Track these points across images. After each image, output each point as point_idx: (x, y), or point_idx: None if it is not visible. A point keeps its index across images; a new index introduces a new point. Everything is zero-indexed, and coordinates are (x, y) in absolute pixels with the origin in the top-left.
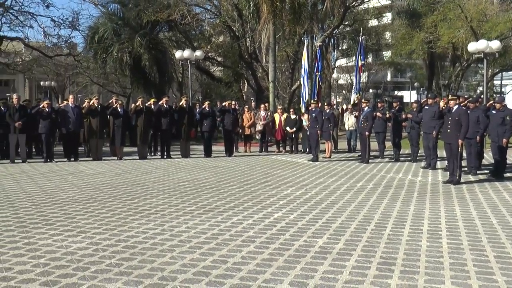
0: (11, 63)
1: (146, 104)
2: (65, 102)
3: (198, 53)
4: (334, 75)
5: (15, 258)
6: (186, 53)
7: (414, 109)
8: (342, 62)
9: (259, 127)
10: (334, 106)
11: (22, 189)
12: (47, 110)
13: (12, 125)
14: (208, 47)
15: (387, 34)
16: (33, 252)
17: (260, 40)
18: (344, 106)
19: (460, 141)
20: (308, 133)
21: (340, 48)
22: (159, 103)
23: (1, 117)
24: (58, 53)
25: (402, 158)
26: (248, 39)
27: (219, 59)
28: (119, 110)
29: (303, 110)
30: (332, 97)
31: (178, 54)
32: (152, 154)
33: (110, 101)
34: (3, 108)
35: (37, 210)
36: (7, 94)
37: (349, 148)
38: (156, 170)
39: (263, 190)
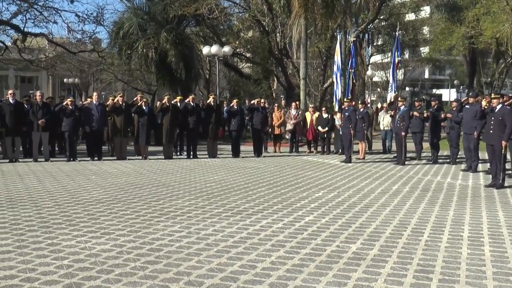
0: (34, 60)
1: (172, 102)
2: (88, 100)
3: (226, 48)
4: (369, 72)
5: (38, 259)
6: (214, 48)
7: (454, 109)
8: (377, 58)
9: (289, 126)
10: (369, 105)
11: (45, 188)
12: (71, 107)
13: (35, 123)
14: (237, 42)
15: (425, 29)
16: (57, 253)
17: (290, 35)
18: (379, 105)
19: (503, 143)
20: (340, 133)
21: (375, 44)
22: (186, 101)
23: (24, 115)
24: (82, 49)
25: (440, 160)
26: (278, 34)
27: (248, 55)
28: (144, 108)
29: (335, 109)
30: (366, 95)
31: (205, 49)
32: (178, 153)
33: (135, 99)
34: (26, 106)
35: (60, 210)
36: (30, 92)
37: (384, 149)
38: (182, 170)
39: (293, 193)
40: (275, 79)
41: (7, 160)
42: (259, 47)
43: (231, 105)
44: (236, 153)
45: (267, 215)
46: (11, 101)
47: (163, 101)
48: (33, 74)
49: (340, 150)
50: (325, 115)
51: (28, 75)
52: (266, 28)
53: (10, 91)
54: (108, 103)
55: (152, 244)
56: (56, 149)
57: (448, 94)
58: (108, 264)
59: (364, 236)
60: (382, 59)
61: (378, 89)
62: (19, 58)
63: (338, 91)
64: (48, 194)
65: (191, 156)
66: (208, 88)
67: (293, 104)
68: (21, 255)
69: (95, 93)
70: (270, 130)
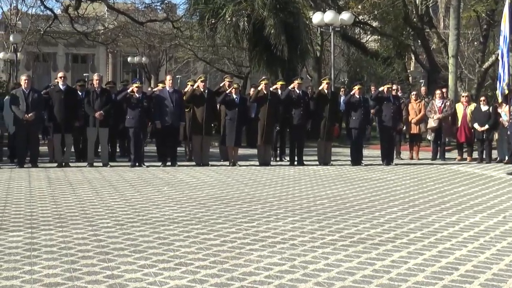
0: (90, 33)
1: (271, 89)
2: (160, 86)
3: (345, 16)
4: None
5: None
6: (328, 16)
7: None
8: None
9: (432, 123)
10: None
11: (102, 202)
12: (137, 96)
13: (91, 116)
14: (359, 7)
15: None
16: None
17: None
18: None
19: None
20: (508, 132)
21: None
22: (289, 87)
23: (78, 105)
24: (152, 18)
25: None
26: None
27: (375, 24)
28: (234, 96)
29: (500, 99)
30: None
31: (316, 17)
32: (278, 159)
33: (221, 85)
34: (80, 93)
35: (123, 231)
36: (84, 74)
37: None
38: (283, 181)
39: (438, 216)
40: (412, 57)
41: (55, 164)
42: (390, 13)
43: (351, 93)
44: (357, 159)
45: (401, 246)
46: (61, 87)
47: (259, 88)
48: (88, 51)
49: (506, 158)
50: (484, 108)
51: (82, 53)
52: None
53: (59, 74)
54: (185, 90)
55: (243, 280)
56: (118, 150)
57: None
58: None
59: None
60: None
61: None
62: (71, 31)
63: (504, 74)
64: (107, 209)
65: (295, 163)
66: (319, 70)
67: (438, 92)
68: None
69: (168, 77)
70: (404, 128)
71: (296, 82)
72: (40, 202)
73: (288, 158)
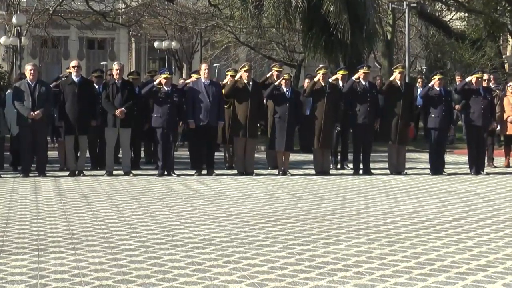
0: (109, 12)
1: (330, 80)
2: (194, 77)
3: None
4: None
5: None
6: None
7: None
8: None
9: None
10: None
11: (124, 218)
12: (166, 89)
13: (111, 114)
14: None
15: None
16: None
17: None
18: None
19: None
20: None
21: None
22: (353, 77)
23: (94, 101)
24: None
25: None
26: None
27: None
28: (285, 90)
29: None
30: None
31: None
32: (339, 166)
33: (268, 75)
34: (97, 86)
35: (148, 255)
36: (102, 63)
37: None
38: (345, 194)
39: None
40: (509, 39)
41: (67, 173)
42: None
43: (430, 85)
44: (437, 167)
45: (494, 276)
46: (74, 78)
47: (315, 79)
48: (106, 34)
49: None
50: None
51: (99, 37)
52: None
53: (72, 63)
54: (225, 82)
55: None
56: (142, 155)
57: None
58: None
59: None
60: None
61: None
62: (86, 10)
63: None
64: (129, 228)
65: (361, 171)
66: (390, 57)
67: None
68: None
69: (204, 66)
70: (498, 128)
71: (361, 71)
72: (49, 219)
73: (351, 166)
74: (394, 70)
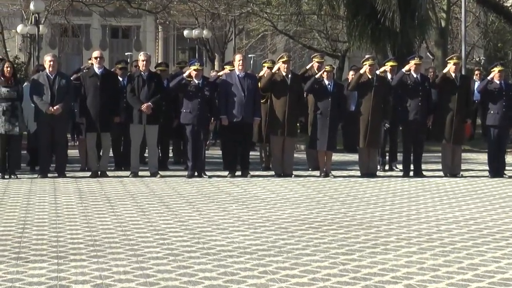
0: None
1: (377, 72)
2: (227, 69)
3: None
4: None
5: None
6: None
7: None
8: None
9: None
10: None
11: (150, 224)
12: (196, 82)
13: (137, 110)
14: None
15: None
16: None
17: None
18: None
19: None
20: None
21: None
22: (403, 70)
23: (118, 95)
24: None
25: None
26: None
27: None
28: (327, 83)
29: None
30: None
31: None
32: (387, 167)
33: (308, 67)
34: (121, 79)
35: (177, 264)
36: (127, 54)
37: None
38: (394, 198)
39: None
40: None
41: (89, 174)
42: None
43: (489, 78)
44: (497, 169)
45: None
46: (96, 70)
47: (361, 71)
48: (131, 22)
49: None
50: None
51: (124, 25)
52: None
53: (95, 54)
54: (261, 74)
55: None
56: (170, 155)
57: None
58: None
59: None
60: None
61: None
62: None
63: None
64: (156, 234)
65: (412, 173)
66: (444, 46)
67: None
68: None
69: (238, 56)
70: None
71: (412, 62)
72: (69, 224)
73: (400, 167)
74: (448, 61)
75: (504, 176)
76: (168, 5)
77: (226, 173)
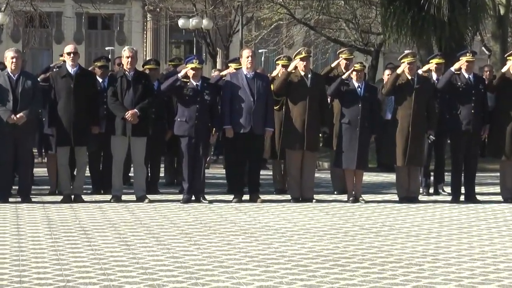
0: None
1: (420, 72)
2: (232, 67)
3: None
4: None
5: None
6: None
7: None
8: None
9: None
10: None
11: (136, 261)
12: (194, 84)
13: (120, 118)
14: None
15: None
16: None
17: None
18: None
19: None
20: None
21: None
22: (452, 68)
23: (97, 100)
24: None
25: None
26: None
27: None
28: (356, 85)
29: None
30: None
31: None
32: (432, 189)
33: (333, 65)
34: (100, 80)
35: None
36: (107, 49)
37: None
38: (440, 229)
39: None
40: None
41: (60, 198)
42: None
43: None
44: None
45: None
46: (69, 69)
47: (398, 71)
48: (113, 9)
49: None
50: None
51: (104, 13)
52: None
53: (68, 48)
54: (275, 74)
55: None
56: (162, 174)
57: None
58: None
59: None
60: None
61: None
62: None
63: None
64: (143, 272)
65: (463, 197)
66: (502, 39)
67: None
68: None
69: (246, 52)
70: None
71: (463, 59)
72: (36, 261)
73: (448, 190)
74: (508, 58)
75: None
76: None
77: (231, 197)
